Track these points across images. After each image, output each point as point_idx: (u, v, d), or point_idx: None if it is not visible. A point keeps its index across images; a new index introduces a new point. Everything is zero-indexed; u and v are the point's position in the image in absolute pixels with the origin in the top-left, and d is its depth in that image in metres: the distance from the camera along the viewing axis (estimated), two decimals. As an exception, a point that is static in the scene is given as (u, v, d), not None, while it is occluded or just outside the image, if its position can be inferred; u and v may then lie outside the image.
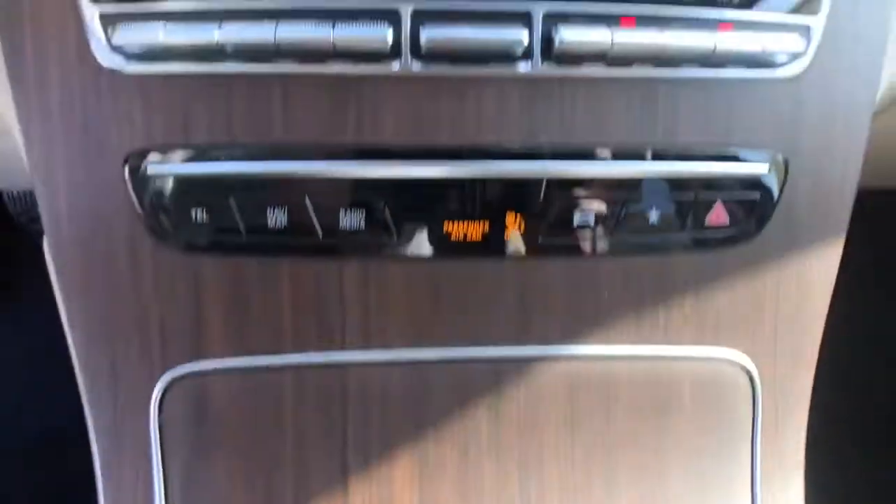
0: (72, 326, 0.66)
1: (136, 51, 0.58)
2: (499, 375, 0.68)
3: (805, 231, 0.67)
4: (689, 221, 0.65)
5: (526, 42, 0.58)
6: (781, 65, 0.62)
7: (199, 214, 0.61)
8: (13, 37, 0.59)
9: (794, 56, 0.62)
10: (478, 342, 0.66)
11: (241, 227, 0.61)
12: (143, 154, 0.60)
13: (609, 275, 0.66)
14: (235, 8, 0.57)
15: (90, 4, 0.58)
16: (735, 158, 0.64)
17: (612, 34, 0.58)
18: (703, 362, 0.70)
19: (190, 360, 0.65)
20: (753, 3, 0.61)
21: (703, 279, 0.67)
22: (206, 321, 0.64)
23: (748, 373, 0.70)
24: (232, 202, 0.61)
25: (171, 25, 0.56)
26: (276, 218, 0.61)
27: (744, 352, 0.70)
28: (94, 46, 0.58)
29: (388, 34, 0.56)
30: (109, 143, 0.60)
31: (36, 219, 0.66)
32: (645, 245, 0.65)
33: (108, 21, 0.58)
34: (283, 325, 0.65)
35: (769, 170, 0.64)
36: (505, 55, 0.59)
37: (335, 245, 0.63)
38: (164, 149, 0.60)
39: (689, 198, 0.64)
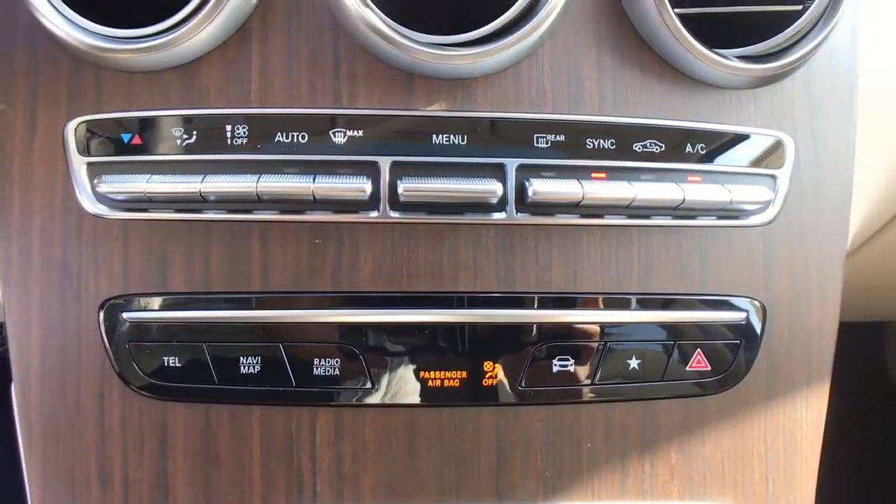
0: (30, 476, 0.63)
1: (121, 199, 0.59)
2: None
3: (789, 375, 0.67)
4: (670, 368, 0.64)
5: (500, 193, 0.59)
6: (751, 213, 0.64)
7: (172, 361, 0.60)
8: (2, 177, 0.61)
9: (764, 205, 0.64)
10: (456, 498, 0.64)
11: (214, 373, 0.60)
12: (119, 301, 0.60)
13: (590, 424, 0.64)
14: (219, 160, 0.59)
15: (78, 155, 0.60)
16: (713, 306, 0.64)
17: (584, 186, 0.60)
18: None
19: None
20: (716, 156, 0.64)
21: (687, 428, 0.66)
22: (172, 475, 0.62)
23: None
24: (205, 349, 0.60)
25: (156, 176, 0.58)
26: (250, 365, 0.61)
27: None
28: (79, 194, 0.60)
29: (367, 186, 0.58)
30: (87, 289, 0.60)
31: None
32: (626, 392, 0.64)
33: (94, 171, 0.59)
34: (251, 479, 0.62)
35: (748, 316, 0.65)
36: (480, 205, 0.60)
37: (309, 393, 0.61)
38: (141, 296, 0.60)
39: (668, 345, 0.64)
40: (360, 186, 0.58)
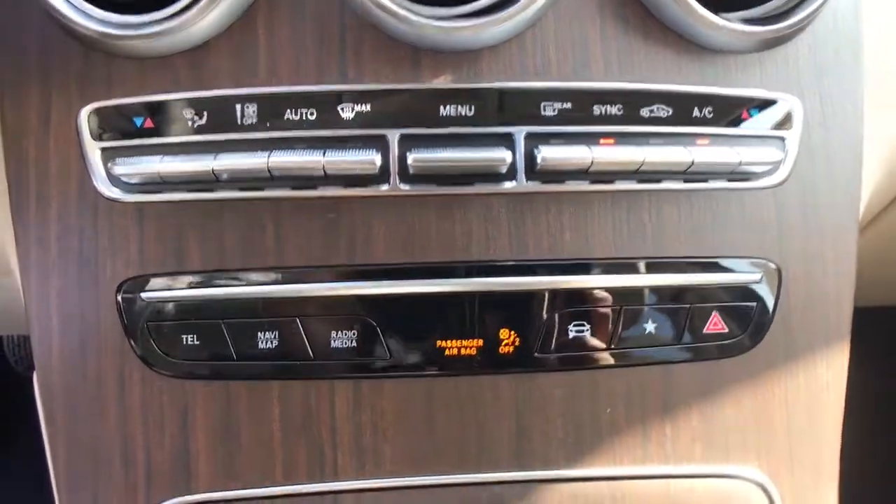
0: (55, 462, 0.63)
1: (135, 181, 0.60)
2: (500, 500, 0.64)
3: (806, 338, 0.66)
4: (687, 331, 0.64)
5: (509, 161, 0.60)
6: (762, 175, 0.64)
7: (190, 340, 0.61)
8: (18, 170, 0.62)
9: (774, 166, 0.64)
10: (476, 466, 0.64)
11: (233, 350, 0.61)
12: (136, 282, 0.61)
13: (609, 389, 0.64)
14: (229, 139, 0.60)
15: (92, 141, 0.60)
16: (727, 268, 0.64)
17: (592, 152, 0.60)
18: (716, 480, 0.66)
19: (176, 494, 0.62)
20: (724, 119, 0.64)
21: (707, 391, 0.65)
22: (195, 453, 0.62)
23: (765, 489, 0.67)
24: (223, 326, 0.61)
25: (168, 157, 0.59)
26: (268, 340, 0.61)
27: (757, 467, 0.66)
28: (94, 178, 0.60)
29: (377, 158, 0.59)
30: (104, 271, 0.61)
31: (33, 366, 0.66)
32: (643, 356, 0.64)
33: (108, 155, 0.60)
34: (273, 454, 0.62)
35: (762, 278, 0.64)
36: (490, 174, 0.61)
37: (327, 366, 0.62)
38: (158, 276, 0.61)
39: (684, 308, 0.64)
40: (369, 159, 0.58)
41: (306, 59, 0.62)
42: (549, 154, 0.59)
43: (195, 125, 0.60)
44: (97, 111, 0.61)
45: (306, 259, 0.61)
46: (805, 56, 0.66)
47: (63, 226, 0.61)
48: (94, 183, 0.60)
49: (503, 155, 0.59)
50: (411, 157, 0.59)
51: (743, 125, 0.64)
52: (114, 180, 0.60)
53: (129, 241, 0.61)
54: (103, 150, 0.60)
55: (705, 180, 0.63)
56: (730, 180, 0.64)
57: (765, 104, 0.65)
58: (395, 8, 0.58)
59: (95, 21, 0.58)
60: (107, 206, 0.61)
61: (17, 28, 0.61)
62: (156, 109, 0.61)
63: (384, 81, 0.62)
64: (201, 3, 0.58)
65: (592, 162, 0.59)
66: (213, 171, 0.58)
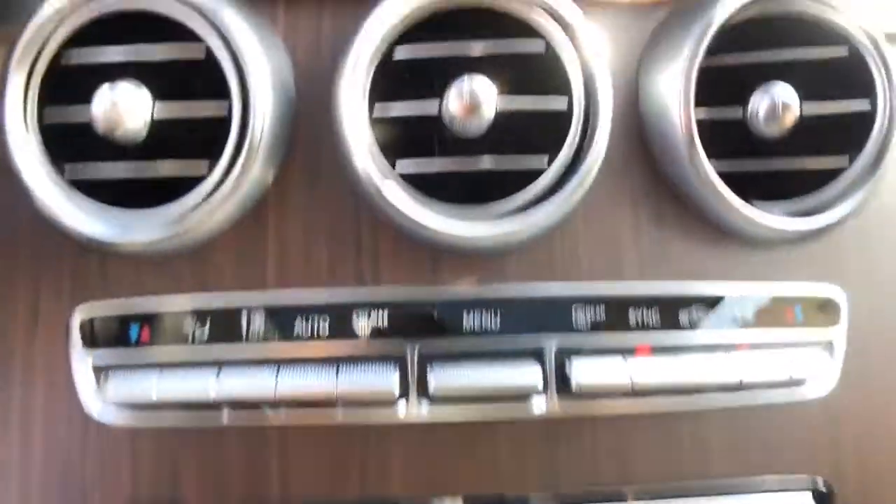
0: None
1: (128, 403, 0.55)
2: None
3: None
4: None
5: (540, 385, 0.54)
6: (810, 383, 0.59)
7: None
8: (2, 379, 0.56)
9: (822, 372, 0.59)
10: None
11: None
12: None
13: None
14: (234, 354, 0.55)
15: (83, 352, 0.55)
16: (774, 489, 0.58)
17: (630, 368, 0.55)
18: None
19: None
20: (767, 320, 0.59)
21: None
22: None
23: None
24: None
25: (166, 375, 0.54)
26: None
27: None
28: (83, 397, 0.55)
29: (395, 386, 0.53)
30: (92, 499, 0.55)
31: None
32: None
33: (100, 372, 0.55)
34: None
35: (814, 499, 0.59)
36: (519, 394, 0.55)
37: None
38: None
39: None
40: (387, 389, 0.53)
41: (319, 261, 0.57)
42: (583, 377, 0.54)
43: (196, 336, 0.55)
44: (90, 319, 0.56)
45: (313, 491, 0.55)
46: (850, 244, 0.61)
47: (49, 444, 0.55)
48: (83, 402, 0.55)
49: (533, 380, 0.54)
50: (433, 381, 0.54)
51: (787, 326, 0.59)
52: (105, 401, 0.55)
53: (120, 467, 0.55)
54: (95, 367, 0.55)
55: (749, 390, 0.58)
56: (775, 388, 0.59)
57: (810, 301, 0.60)
58: (414, 216, 0.54)
59: (91, 224, 0.54)
60: (96, 427, 0.55)
61: (6, 223, 0.57)
62: (153, 318, 0.56)
63: (403, 284, 0.57)
64: (209, 205, 0.53)
65: (631, 381, 0.54)
66: (214, 400, 0.53)
